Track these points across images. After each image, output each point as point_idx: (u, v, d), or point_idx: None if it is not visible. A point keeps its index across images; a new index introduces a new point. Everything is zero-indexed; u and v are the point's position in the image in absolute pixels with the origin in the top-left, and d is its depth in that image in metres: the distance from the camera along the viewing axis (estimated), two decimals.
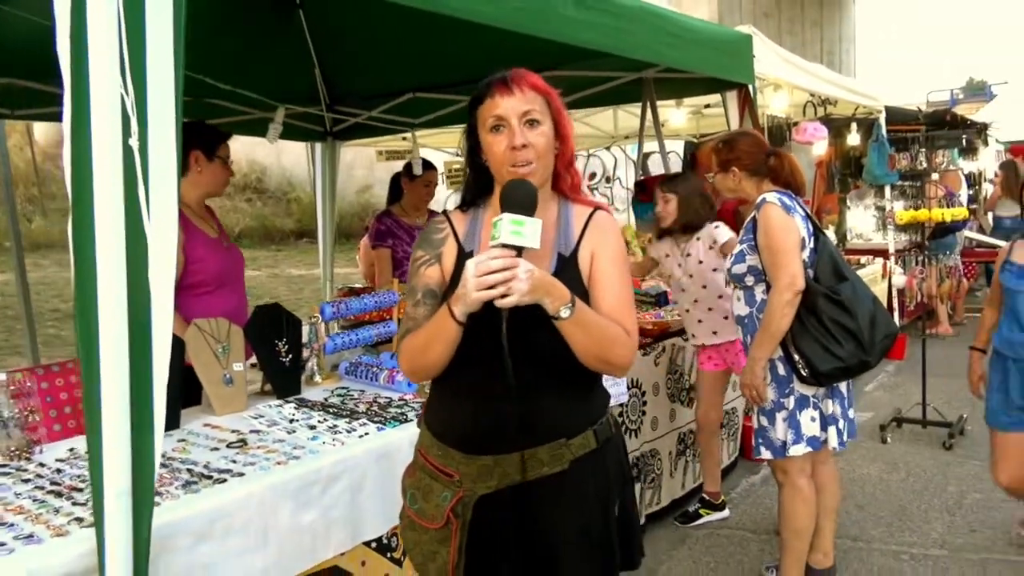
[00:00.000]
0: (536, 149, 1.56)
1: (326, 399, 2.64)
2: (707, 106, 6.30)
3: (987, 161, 11.17)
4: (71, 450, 2.16)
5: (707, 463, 3.79)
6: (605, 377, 1.75)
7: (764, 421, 2.84)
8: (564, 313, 1.47)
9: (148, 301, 1.47)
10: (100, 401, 1.42)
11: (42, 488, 1.88)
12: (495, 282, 1.39)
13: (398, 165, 4.73)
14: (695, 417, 3.81)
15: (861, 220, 8.35)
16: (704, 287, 3.57)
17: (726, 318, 3.48)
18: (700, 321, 3.61)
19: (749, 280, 2.85)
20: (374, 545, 2.16)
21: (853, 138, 7.43)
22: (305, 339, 2.82)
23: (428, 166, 4.33)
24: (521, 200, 1.46)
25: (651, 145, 4.97)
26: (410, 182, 4.29)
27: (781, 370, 2.78)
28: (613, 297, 1.62)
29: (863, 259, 7.02)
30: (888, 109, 6.85)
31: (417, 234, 2.21)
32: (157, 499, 1.62)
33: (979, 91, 21.04)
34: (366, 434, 2.25)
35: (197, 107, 3.99)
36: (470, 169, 1.70)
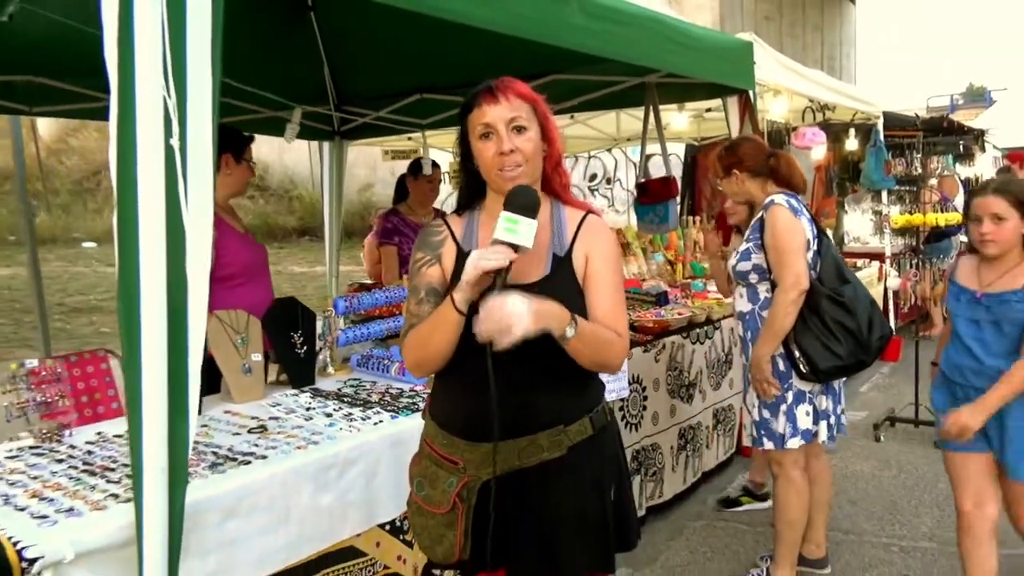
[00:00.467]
0: (524, 153, 1.65)
1: (340, 389, 2.74)
2: (708, 110, 6.39)
3: (985, 167, 11.25)
4: (99, 433, 2.26)
5: (757, 452, 3.83)
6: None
7: (767, 414, 2.95)
8: (569, 333, 1.57)
9: (185, 292, 1.56)
10: (141, 383, 1.51)
11: (76, 468, 1.98)
12: (492, 267, 1.52)
13: (403, 164, 4.82)
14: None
15: (858, 224, 8.44)
16: None
17: None
18: None
19: (753, 278, 2.95)
20: (388, 527, 2.26)
21: (851, 143, 7.49)
22: (319, 332, 2.92)
23: (433, 165, 4.44)
24: (521, 202, 1.56)
25: (652, 147, 5.05)
26: (415, 181, 4.40)
27: (781, 366, 2.89)
28: (607, 300, 1.71)
29: (859, 262, 7.10)
30: (886, 115, 6.93)
31: None
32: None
33: (979, 97, 21.13)
34: (380, 422, 2.34)
35: None
36: (464, 174, 1.78)
